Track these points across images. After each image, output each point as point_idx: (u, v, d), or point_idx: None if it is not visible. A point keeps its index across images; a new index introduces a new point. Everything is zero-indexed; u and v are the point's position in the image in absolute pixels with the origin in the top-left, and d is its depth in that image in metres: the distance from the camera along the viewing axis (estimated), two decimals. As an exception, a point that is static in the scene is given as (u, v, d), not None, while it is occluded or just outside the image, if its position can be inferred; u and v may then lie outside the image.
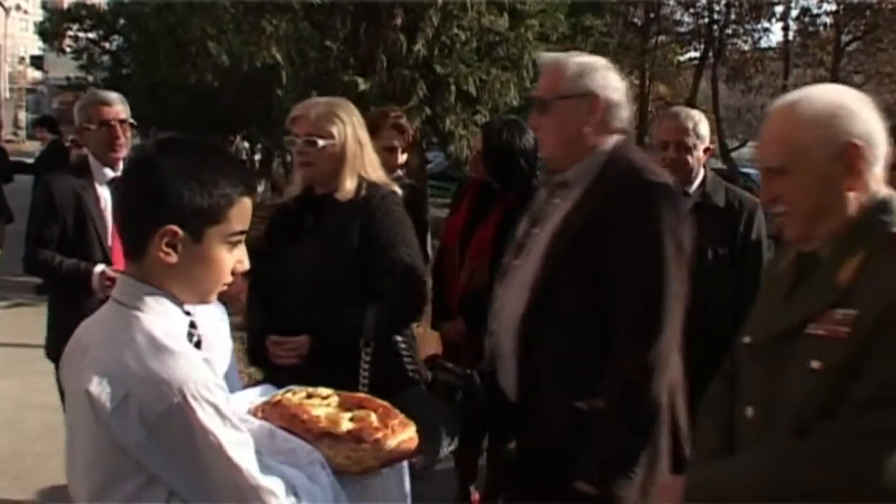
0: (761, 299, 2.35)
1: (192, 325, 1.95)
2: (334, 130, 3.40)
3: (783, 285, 2.22)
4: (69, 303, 4.20)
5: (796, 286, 2.17)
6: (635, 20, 30.94)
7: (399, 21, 11.76)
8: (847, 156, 2.05)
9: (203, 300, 1.98)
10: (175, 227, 1.83)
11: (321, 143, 3.39)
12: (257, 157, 25.53)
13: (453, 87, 12.16)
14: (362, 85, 11.61)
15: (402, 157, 4.78)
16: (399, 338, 3.56)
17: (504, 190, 4.62)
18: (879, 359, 1.91)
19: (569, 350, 2.84)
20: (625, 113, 2.98)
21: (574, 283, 2.84)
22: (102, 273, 4.20)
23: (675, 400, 2.93)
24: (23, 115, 57.49)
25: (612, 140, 2.96)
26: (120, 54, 23.50)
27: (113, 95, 4.59)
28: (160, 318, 1.85)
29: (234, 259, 1.94)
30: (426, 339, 8.02)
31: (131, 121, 4.55)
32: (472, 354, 4.36)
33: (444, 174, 19.66)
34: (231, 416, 1.84)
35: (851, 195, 2.07)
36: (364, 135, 3.50)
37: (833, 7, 30.26)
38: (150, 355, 1.77)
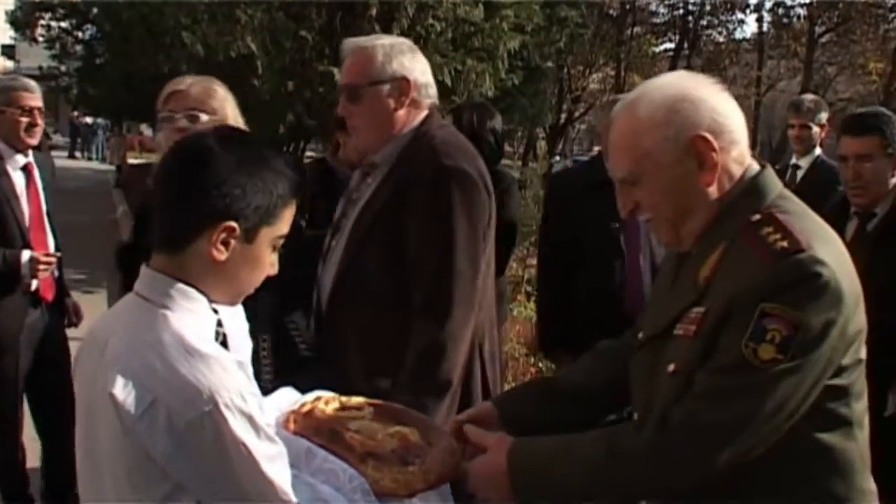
0: (651, 299, 2.31)
1: (219, 323, 1.87)
2: (216, 106, 3.31)
3: (666, 283, 2.12)
4: None
5: (672, 286, 2.05)
6: (611, 11, 31.09)
7: (374, 11, 11.79)
8: (695, 151, 1.90)
9: (234, 301, 1.90)
10: (234, 224, 1.74)
11: (204, 117, 3.30)
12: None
13: (429, 78, 12.26)
14: (338, 75, 11.64)
15: None
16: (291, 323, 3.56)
17: None
18: (719, 350, 1.81)
19: (372, 327, 2.86)
20: (432, 90, 3.00)
21: (377, 262, 2.87)
22: (32, 259, 4.20)
23: (477, 375, 2.98)
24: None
25: (420, 117, 2.97)
26: (93, 44, 23.24)
27: (33, 83, 4.57)
28: (189, 317, 1.75)
29: (270, 262, 1.87)
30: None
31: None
32: None
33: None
34: (265, 427, 1.74)
35: (711, 189, 1.93)
36: (239, 116, 3.46)
37: (807, 0, 30.58)
38: (179, 359, 1.66)
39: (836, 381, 1.83)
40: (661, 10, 32.64)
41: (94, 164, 34.71)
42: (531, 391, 2.44)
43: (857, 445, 1.92)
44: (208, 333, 1.79)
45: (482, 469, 2.00)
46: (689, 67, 30.95)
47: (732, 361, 1.76)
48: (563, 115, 30.73)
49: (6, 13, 28.35)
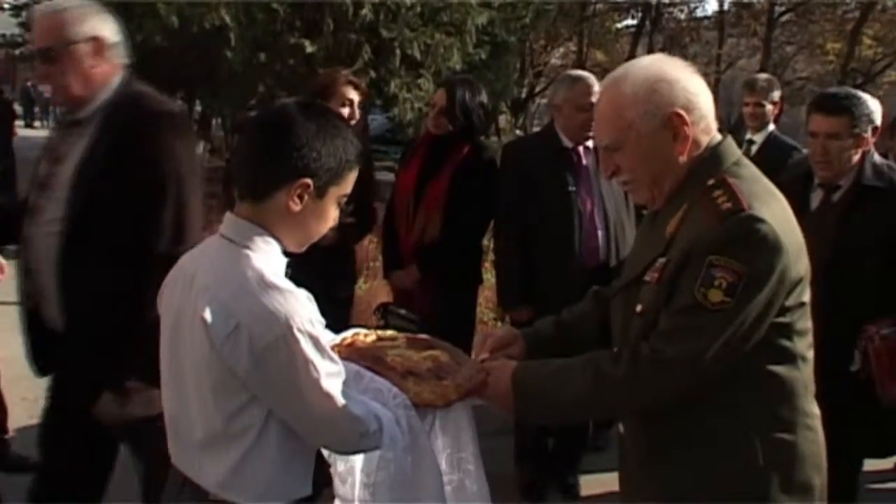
0: (630, 252, 2.59)
1: (288, 265, 2.13)
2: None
3: (642, 238, 2.45)
4: None
5: (646, 240, 2.38)
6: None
7: (345, -14, 11.92)
8: (672, 125, 2.20)
9: (301, 247, 2.17)
10: (309, 181, 2.03)
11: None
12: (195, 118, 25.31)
13: (398, 51, 12.46)
14: (309, 48, 11.81)
15: (358, 113, 4.87)
16: None
17: (457, 144, 4.91)
18: (676, 295, 2.13)
19: (110, 282, 3.00)
20: (122, 51, 3.15)
21: (106, 216, 2.96)
22: None
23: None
24: (-47, 72, 55.78)
25: (118, 76, 3.13)
26: (60, 12, 23.09)
27: None
28: (266, 257, 2.04)
29: (333, 217, 2.17)
30: (374, 291, 8.36)
31: None
32: (425, 300, 4.79)
33: (382, 137, 19.83)
34: (328, 348, 2.05)
35: (682, 157, 2.23)
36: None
37: (767, -21, 30.77)
38: (260, 291, 1.95)
39: (781, 320, 2.15)
40: (625, -14, 32.81)
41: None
42: (548, 325, 2.72)
43: (801, 375, 2.24)
44: (280, 272, 2.07)
45: (491, 389, 2.35)
46: (650, 45, 31.24)
47: (688, 303, 2.10)
48: (525, 90, 30.87)
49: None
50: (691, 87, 2.24)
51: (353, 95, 4.71)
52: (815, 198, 3.91)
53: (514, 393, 2.31)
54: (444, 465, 2.43)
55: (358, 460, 2.39)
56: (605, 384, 2.21)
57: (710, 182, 2.18)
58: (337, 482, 2.43)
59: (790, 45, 33.41)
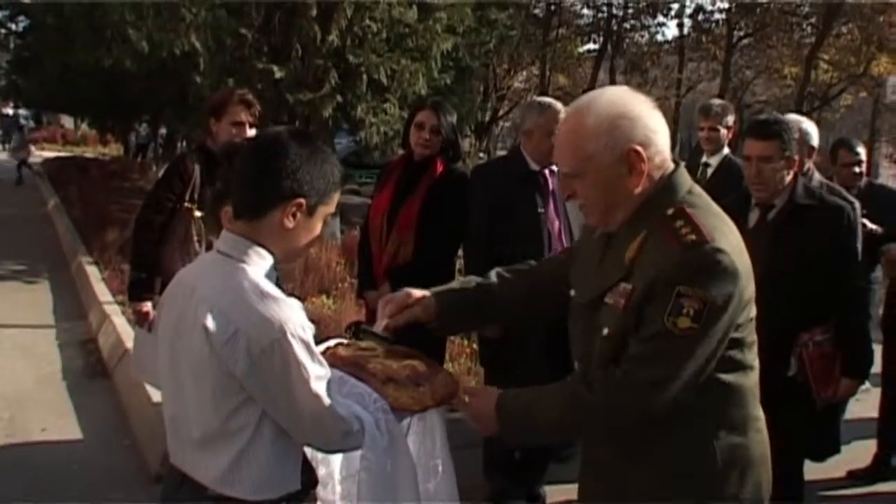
0: (580, 262, 2.64)
1: (277, 278, 2.33)
2: None
3: (596, 256, 2.50)
4: None
5: (602, 259, 2.46)
6: (536, 12, 31.55)
7: (314, 11, 12.08)
8: (629, 160, 2.31)
9: (291, 260, 2.41)
10: (302, 201, 2.25)
11: None
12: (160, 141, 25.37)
13: (365, 76, 12.60)
14: (277, 72, 11.96)
15: (251, 132, 4.94)
16: None
17: (432, 165, 5.09)
18: (646, 322, 2.25)
19: None
20: None
21: None
22: None
23: None
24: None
25: None
26: (26, 36, 23.06)
27: None
28: (261, 269, 2.25)
29: (320, 232, 2.39)
30: (343, 311, 8.51)
31: None
32: None
33: (347, 160, 20.02)
34: (318, 353, 2.25)
35: (637, 189, 2.34)
36: None
37: (726, 5, 31.32)
38: (256, 300, 2.16)
39: (735, 335, 2.32)
40: (586, 12, 33.23)
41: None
42: (468, 291, 2.86)
43: (750, 382, 2.43)
44: (273, 282, 2.28)
45: (475, 413, 2.52)
46: (612, 69, 31.66)
47: (657, 331, 2.23)
48: (489, 113, 31.14)
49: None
50: (651, 124, 2.35)
51: (244, 116, 4.85)
52: (753, 217, 4.16)
53: (497, 416, 2.45)
54: (419, 473, 2.63)
55: (336, 466, 2.60)
56: (582, 407, 2.35)
57: (670, 212, 2.31)
58: (319, 486, 2.62)
59: (749, 69, 33.99)
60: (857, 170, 6.10)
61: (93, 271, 10.70)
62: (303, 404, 2.22)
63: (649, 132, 2.35)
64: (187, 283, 2.33)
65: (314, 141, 2.36)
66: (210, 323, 2.16)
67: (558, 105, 4.89)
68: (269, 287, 2.22)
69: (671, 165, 2.41)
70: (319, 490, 2.61)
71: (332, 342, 2.79)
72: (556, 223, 4.82)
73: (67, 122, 44.67)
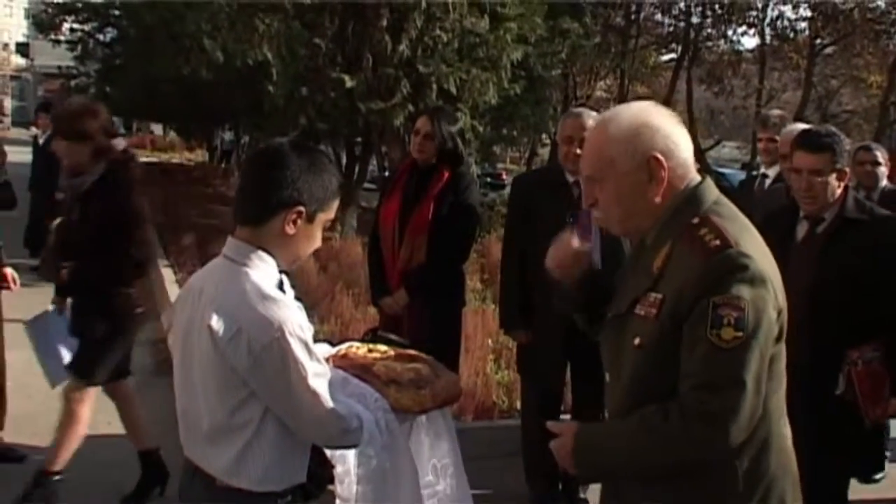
0: (618, 286, 2.61)
1: (281, 281, 2.47)
2: None
3: (627, 273, 2.54)
4: None
5: (633, 270, 2.50)
6: (616, 22, 31.34)
7: (385, 22, 12.30)
8: (649, 167, 2.34)
9: (292, 265, 2.52)
10: (303, 208, 2.39)
11: None
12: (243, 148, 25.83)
13: (435, 86, 12.71)
14: (349, 82, 12.15)
15: (123, 143, 5.28)
16: None
17: (438, 171, 5.18)
18: (691, 342, 2.20)
19: None
20: None
21: None
22: None
23: None
24: (8, 103, 56.85)
25: None
26: (113, 46, 23.77)
27: None
28: (263, 272, 2.39)
29: (319, 238, 2.54)
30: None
31: None
32: (413, 324, 5.03)
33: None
34: (315, 351, 2.39)
35: (657, 199, 2.37)
36: None
37: (808, 14, 30.69)
38: (258, 301, 2.32)
39: (773, 348, 2.28)
40: (665, 20, 32.91)
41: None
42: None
43: (778, 398, 2.38)
44: (275, 284, 2.43)
45: (557, 447, 2.48)
46: (689, 78, 31.25)
47: (706, 350, 2.18)
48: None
49: (25, 10, 28.62)
50: (673, 136, 2.39)
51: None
52: (801, 229, 4.05)
53: (573, 451, 2.43)
54: (429, 476, 2.74)
55: (353, 464, 2.72)
56: (659, 439, 2.27)
57: (695, 221, 2.32)
58: (336, 483, 2.74)
59: (834, 78, 33.25)
60: (869, 168, 6.18)
61: (167, 274, 10.95)
62: (301, 401, 2.36)
63: (671, 143, 2.38)
64: (196, 286, 2.49)
65: (314, 152, 2.50)
66: (215, 322, 2.31)
67: (589, 113, 4.95)
68: (270, 289, 2.37)
69: (696, 178, 2.43)
70: (337, 486, 2.74)
71: (344, 346, 2.92)
72: (589, 233, 4.82)
73: (157, 129, 45.89)
